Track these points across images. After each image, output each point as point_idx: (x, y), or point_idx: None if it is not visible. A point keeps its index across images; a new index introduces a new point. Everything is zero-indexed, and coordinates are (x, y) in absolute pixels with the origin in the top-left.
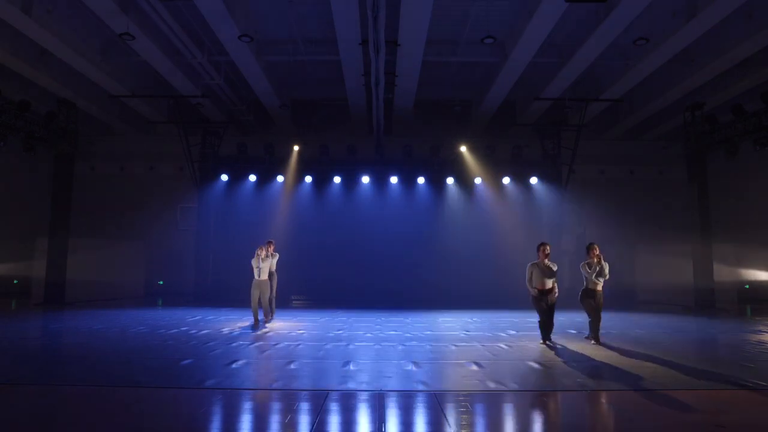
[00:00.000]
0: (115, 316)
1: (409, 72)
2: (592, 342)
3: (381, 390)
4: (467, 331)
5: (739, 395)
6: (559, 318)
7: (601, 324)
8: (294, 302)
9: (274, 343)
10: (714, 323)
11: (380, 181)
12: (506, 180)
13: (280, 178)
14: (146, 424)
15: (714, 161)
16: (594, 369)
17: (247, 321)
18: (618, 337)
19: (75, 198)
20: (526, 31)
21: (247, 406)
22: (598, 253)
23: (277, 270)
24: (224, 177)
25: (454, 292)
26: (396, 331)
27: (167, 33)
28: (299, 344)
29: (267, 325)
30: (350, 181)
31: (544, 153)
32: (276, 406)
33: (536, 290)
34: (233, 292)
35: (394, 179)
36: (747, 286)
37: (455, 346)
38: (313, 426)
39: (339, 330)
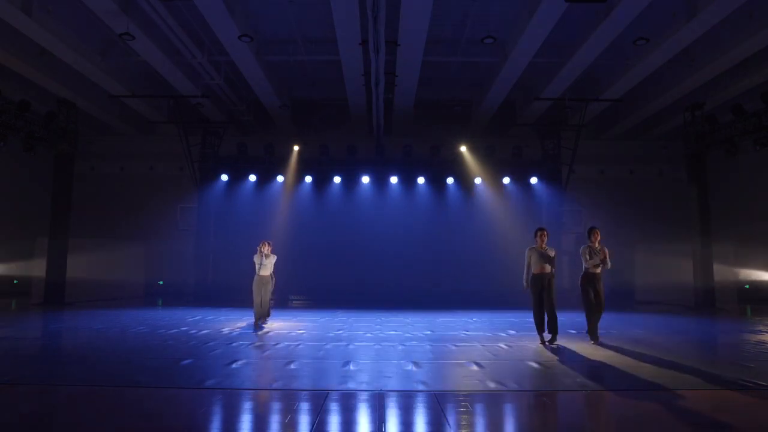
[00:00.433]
0: (115, 316)
1: (409, 72)
2: (591, 342)
3: (381, 390)
4: (467, 331)
5: (739, 395)
6: (560, 318)
7: (601, 324)
8: (293, 302)
9: (274, 343)
10: (714, 323)
11: (380, 181)
12: (506, 180)
13: (280, 178)
14: (146, 424)
15: (714, 161)
16: (594, 369)
17: (246, 321)
18: (618, 337)
19: (75, 198)
20: (526, 31)
21: (247, 406)
22: (599, 238)
23: (273, 272)
24: (224, 177)
25: (454, 292)
26: (396, 331)
27: (167, 33)
28: (299, 344)
29: (265, 325)
30: (350, 181)
31: (544, 153)
32: (276, 406)
33: (533, 274)
34: (233, 292)
35: (394, 179)
36: (747, 286)
37: (455, 346)
38: (313, 426)
39: (339, 330)
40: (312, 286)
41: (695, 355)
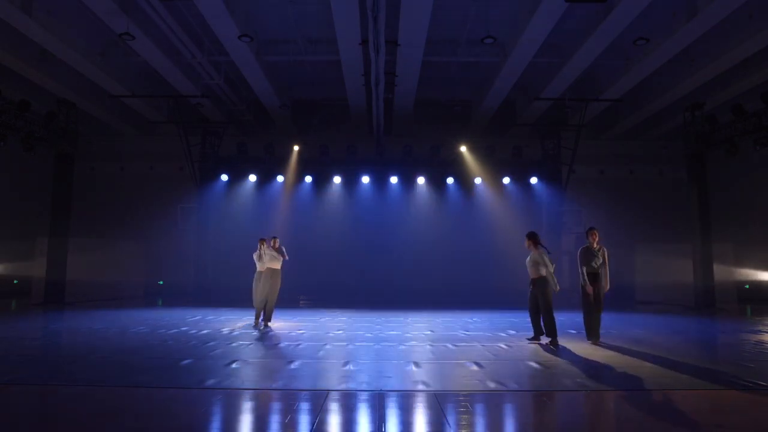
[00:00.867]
0: (115, 316)
1: (409, 72)
2: (591, 342)
3: (381, 390)
4: (467, 331)
5: (739, 395)
6: (560, 318)
7: (601, 324)
8: (300, 302)
9: (274, 342)
10: (714, 323)
11: (380, 181)
12: (506, 180)
13: (280, 178)
14: (146, 424)
15: (714, 161)
16: (594, 369)
17: (246, 321)
18: (618, 337)
19: (75, 198)
20: (526, 31)
21: (247, 406)
22: (598, 239)
23: (272, 270)
24: (224, 177)
25: (454, 292)
26: (396, 330)
27: (167, 33)
28: (299, 344)
29: (264, 327)
30: (350, 181)
31: (544, 153)
32: (276, 405)
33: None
34: (233, 292)
35: (394, 179)
36: (747, 286)
37: (455, 345)
38: (313, 426)
39: (339, 330)
40: (311, 286)
41: (695, 355)
